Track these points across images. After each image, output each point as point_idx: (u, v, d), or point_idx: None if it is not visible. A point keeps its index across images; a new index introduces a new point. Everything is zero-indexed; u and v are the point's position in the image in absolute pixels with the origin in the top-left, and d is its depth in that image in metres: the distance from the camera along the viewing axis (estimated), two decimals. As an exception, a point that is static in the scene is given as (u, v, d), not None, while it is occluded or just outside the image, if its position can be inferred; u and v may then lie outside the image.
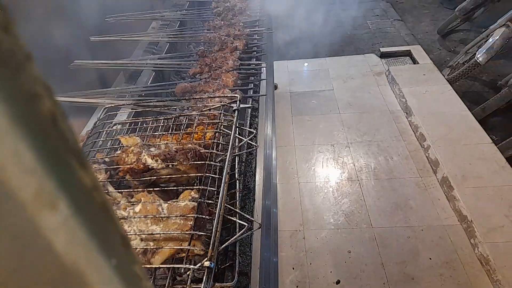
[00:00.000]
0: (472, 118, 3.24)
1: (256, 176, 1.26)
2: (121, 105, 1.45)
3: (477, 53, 3.46)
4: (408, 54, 4.49)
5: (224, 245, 0.81)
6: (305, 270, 2.40)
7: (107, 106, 1.34)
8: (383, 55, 4.51)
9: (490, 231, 2.38)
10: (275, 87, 3.97)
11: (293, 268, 2.41)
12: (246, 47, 1.90)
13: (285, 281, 2.35)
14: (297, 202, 2.81)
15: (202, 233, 0.82)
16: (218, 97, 1.35)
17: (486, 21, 4.32)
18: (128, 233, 0.86)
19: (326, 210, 2.75)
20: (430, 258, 2.38)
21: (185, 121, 1.27)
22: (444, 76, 3.81)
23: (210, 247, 0.76)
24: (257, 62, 1.85)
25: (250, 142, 1.13)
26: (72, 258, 0.22)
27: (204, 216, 0.84)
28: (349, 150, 3.24)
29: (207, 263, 0.74)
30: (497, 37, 3.39)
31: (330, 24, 5.53)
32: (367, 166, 3.07)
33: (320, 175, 3.04)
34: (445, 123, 3.22)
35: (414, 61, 4.32)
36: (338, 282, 2.32)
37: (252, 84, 1.74)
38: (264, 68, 1.83)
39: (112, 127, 1.33)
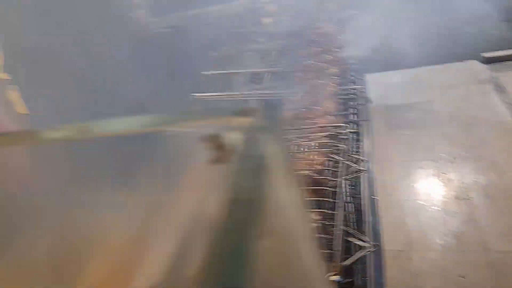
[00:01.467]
0: None
1: (364, 198, 1.32)
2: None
3: None
4: (518, 58, 4.01)
5: (346, 261, 0.91)
6: (412, 293, 2.29)
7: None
8: (487, 61, 4.11)
9: None
10: (369, 101, 3.93)
11: (399, 291, 2.33)
12: (343, 72, 1.99)
13: (391, 305, 2.29)
14: (399, 221, 2.71)
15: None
16: (326, 126, 1.46)
17: None
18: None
19: (431, 229, 2.60)
20: None
21: (295, 148, 1.41)
22: None
23: (337, 263, 0.86)
24: (355, 86, 1.91)
25: (359, 168, 1.20)
26: None
27: (325, 236, 0.95)
28: (454, 165, 3.02)
29: (335, 277, 0.84)
30: None
31: (427, 29, 5.23)
32: (476, 183, 2.83)
33: (422, 192, 2.89)
34: None
35: (526, 66, 3.84)
36: (450, 309, 2.18)
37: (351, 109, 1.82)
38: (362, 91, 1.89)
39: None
